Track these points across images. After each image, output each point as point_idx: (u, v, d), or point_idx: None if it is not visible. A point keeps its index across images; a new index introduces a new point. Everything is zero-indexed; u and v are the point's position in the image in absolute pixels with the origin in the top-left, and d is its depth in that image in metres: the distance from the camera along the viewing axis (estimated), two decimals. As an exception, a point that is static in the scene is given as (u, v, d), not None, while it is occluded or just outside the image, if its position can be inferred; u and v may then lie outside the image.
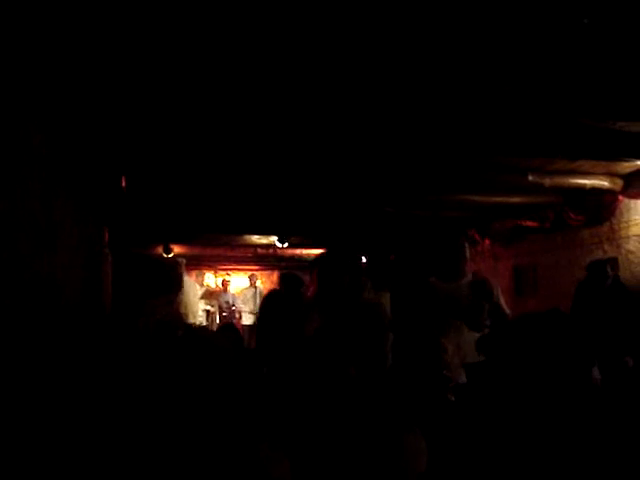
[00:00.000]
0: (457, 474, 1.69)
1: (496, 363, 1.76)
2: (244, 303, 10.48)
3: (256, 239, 9.18)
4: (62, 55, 2.47)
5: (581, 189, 5.62)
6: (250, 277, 11.35)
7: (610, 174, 5.57)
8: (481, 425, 1.72)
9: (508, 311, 3.92)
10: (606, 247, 6.29)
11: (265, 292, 10.97)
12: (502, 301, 3.94)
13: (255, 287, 11.00)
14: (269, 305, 3.54)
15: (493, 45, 2.85)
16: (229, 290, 11.20)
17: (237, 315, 10.95)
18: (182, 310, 7.55)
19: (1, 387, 1.36)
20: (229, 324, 6.94)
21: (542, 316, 1.72)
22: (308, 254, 9.63)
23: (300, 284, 3.99)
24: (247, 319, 10.39)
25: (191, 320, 6.55)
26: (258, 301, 10.28)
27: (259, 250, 10.02)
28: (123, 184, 4.11)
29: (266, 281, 13.64)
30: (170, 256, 8.64)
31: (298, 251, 10.06)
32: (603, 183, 5.58)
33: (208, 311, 10.33)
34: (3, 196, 1.58)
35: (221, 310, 10.85)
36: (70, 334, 2.60)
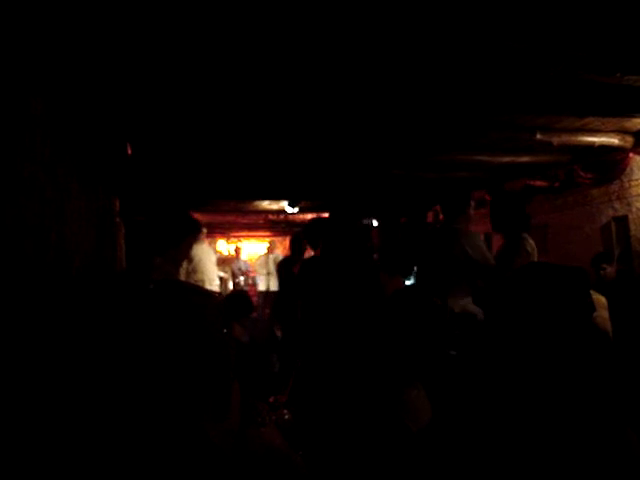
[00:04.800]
0: (460, 429, 1.72)
1: (496, 313, 1.76)
2: (259, 268, 10.59)
3: (267, 205, 9.21)
4: (62, 21, 2.47)
5: (590, 147, 5.55)
6: (270, 243, 11.44)
7: (620, 131, 5.48)
8: (484, 379, 1.74)
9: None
10: (616, 205, 6.25)
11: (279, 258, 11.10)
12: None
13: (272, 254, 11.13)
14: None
15: (497, 3, 2.81)
16: (241, 257, 11.31)
17: (250, 281, 11.06)
18: (199, 276, 7.60)
19: (9, 359, 1.40)
20: (239, 292, 7.02)
21: (545, 265, 1.72)
22: (319, 219, 9.63)
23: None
24: (261, 285, 10.50)
25: (207, 286, 6.59)
26: (272, 266, 10.41)
27: (270, 216, 10.06)
28: (129, 151, 4.12)
29: (278, 247, 13.73)
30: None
31: (309, 216, 10.08)
32: (613, 140, 5.50)
33: (221, 278, 10.46)
34: (4, 161, 1.60)
35: (234, 276, 10.97)
36: (82, 304, 2.63)
